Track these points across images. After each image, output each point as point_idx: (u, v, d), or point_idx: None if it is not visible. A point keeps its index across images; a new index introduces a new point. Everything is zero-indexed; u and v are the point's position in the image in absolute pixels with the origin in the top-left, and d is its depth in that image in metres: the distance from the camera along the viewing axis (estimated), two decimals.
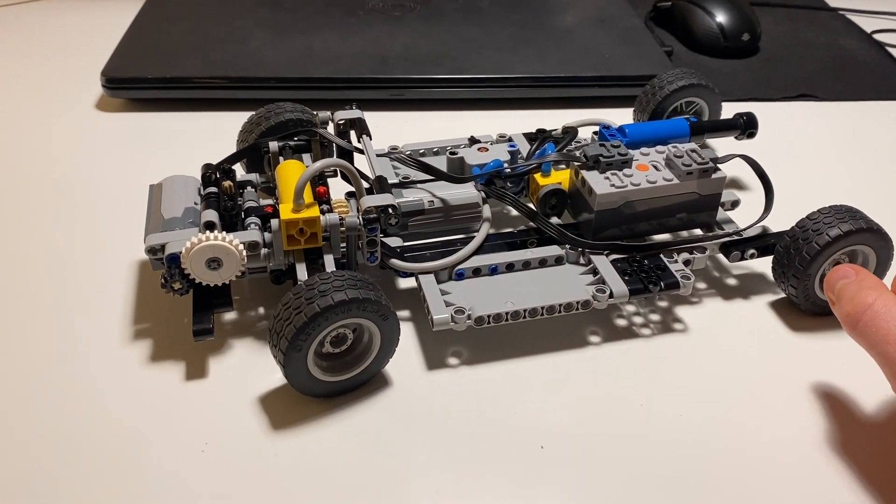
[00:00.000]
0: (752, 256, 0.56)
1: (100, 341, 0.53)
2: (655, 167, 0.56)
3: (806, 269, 0.53)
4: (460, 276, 0.54)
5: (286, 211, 0.50)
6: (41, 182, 0.69)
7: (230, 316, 0.55)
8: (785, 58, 0.92)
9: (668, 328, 0.55)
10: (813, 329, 0.55)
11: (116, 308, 0.55)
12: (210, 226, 0.50)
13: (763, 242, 0.57)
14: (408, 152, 0.64)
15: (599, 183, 0.55)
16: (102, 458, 0.45)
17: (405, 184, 0.59)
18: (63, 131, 0.77)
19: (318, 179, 0.55)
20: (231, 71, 0.79)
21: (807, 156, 0.76)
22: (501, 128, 0.72)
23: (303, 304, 0.45)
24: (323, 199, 0.52)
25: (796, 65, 0.91)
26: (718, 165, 0.56)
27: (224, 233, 0.48)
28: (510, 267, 0.55)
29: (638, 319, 0.56)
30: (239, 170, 0.62)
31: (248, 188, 0.57)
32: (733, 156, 0.58)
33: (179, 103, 0.79)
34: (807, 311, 0.56)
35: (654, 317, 0.56)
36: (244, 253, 0.49)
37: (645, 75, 0.80)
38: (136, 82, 0.78)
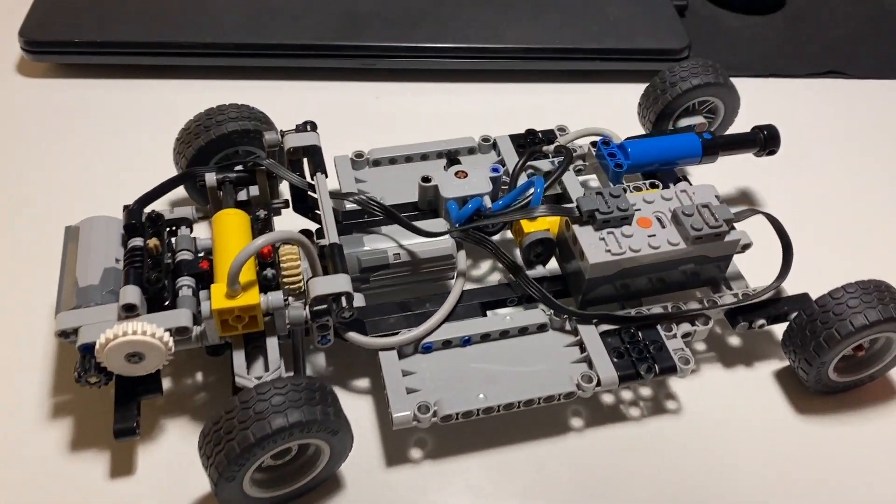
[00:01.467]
0: (760, 327, 0.49)
1: (12, 419, 0.46)
2: (659, 221, 0.48)
3: (822, 356, 0.46)
4: (428, 350, 0.47)
5: (218, 295, 0.42)
6: None
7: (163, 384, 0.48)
8: (813, 15, 0.81)
9: (660, 407, 0.49)
10: (820, 411, 0.49)
11: (34, 370, 0.48)
12: (130, 308, 0.42)
13: (775, 310, 0.49)
14: (367, 193, 0.53)
15: (593, 246, 0.47)
16: None
17: (364, 205, 0.48)
18: None
19: (261, 221, 0.47)
20: (176, 35, 0.67)
21: (833, 146, 0.68)
22: (485, 105, 0.63)
23: (235, 429, 0.38)
24: (267, 261, 0.44)
25: (826, 25, 0.79)
26: (734, 225, 0.48)
27: (145, 324, 0.41)
28: (486, 336, 0.48)
29: (627, 395, 0.50)
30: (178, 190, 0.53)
31: (182, 229, 0.49)
32: (753, 212, 0.49)
33: (116, 69, 0.68)
34: (815, 390, 0.50)
35: (645, 391, 0.50)
36: (171, 343, 0.42)
37: (654, 49, 0.70)
38: (61, 46, 0.67)
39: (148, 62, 0.68)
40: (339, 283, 0.42)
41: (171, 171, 0.56)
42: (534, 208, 0.49)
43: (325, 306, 0.42)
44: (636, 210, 0.48)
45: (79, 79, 0.68)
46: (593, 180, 0.61)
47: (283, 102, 0.68)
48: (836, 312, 0.46)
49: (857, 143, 0.68)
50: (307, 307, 0.42)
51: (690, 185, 0.54)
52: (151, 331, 0.41)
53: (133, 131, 0.64)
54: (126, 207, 0.49)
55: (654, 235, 0.47)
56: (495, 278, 0.56)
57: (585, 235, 0.47)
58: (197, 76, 0.68)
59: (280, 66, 0.69)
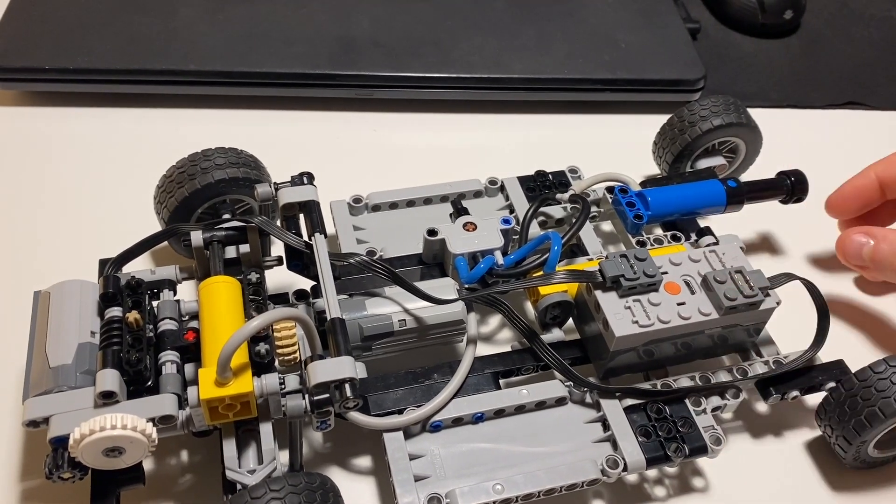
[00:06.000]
0: (793, 399, 0.46)
1: None
2: (688, 286, 0.44)
3: (863, 435, 0.43)
4: (436, 428, 0.43)
5: (207, 383, 0.37)
6: None
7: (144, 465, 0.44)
8: (829, 38, 0.77)
9: (685, 485, 0.46)
10: (856, 488, 0.46)
11: None
12: (108, 396, 0.38)
13: (809, 381, 0.46)
14: (376, 255, 0.49)
15: (619, 316, 0.43)
16: None
17: (368, 268, 0.44)
18: None
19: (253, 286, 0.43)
20: (157, 61, 0.62)
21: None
22: (490, 137, 0.61)
23: None
24: (260, 335, 0.40)
25: (843, 49, 0.76)
26: (769, 292, 0.44)
27: (125, 416, 0.36)
28: (500, 411, 0.44)
29: (651, 473, 0.46)
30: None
31: (165, 293, 0.44)
32: (789, 278, 0.46)
33: (91, 98, 0.63)
34: (851, 466, 0.46)
35: (670, 468, 0.46)
36: (154, 435, 0.37)
37: (668, 80, 0.66)
38: (31, 73, 0.61)
39: (126, 90, 0.63)
40: (342, 367, 0.38)
41: (152, 215, 0.51)
42: (552, 273, 0.44)
43: (326, 395, 0.37)
44: (663, 274, 0.45)
45: (50, 107, 0.63)
46: (607, 224, 0.57)
47: (273, 134, 0.63)
48: (879, 388, 0.43)
49: None
50: (306, 396, 0.38)
51: (715, 238, 0.51)
52: (132, 423, 0.36)
53: (110, 167, 0.59)
54: (102, 264, 0.45)
55: (684, 304, 0.43)
56: (506, 336, 0.52)
57: (610, 303, 0.43)
58: (180, 105, 0.63)
59: (269, 96, 0.64)
